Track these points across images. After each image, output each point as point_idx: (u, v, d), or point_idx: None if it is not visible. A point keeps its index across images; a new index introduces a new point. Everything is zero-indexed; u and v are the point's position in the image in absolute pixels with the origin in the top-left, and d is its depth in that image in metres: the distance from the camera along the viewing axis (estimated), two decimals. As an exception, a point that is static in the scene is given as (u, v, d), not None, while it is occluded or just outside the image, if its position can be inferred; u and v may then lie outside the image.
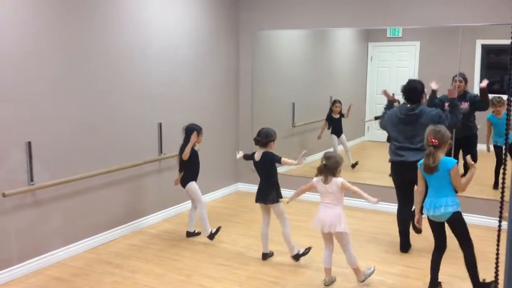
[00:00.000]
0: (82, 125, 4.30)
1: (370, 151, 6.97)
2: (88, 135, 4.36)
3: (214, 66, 5.98)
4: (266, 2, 6.12)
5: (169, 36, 5.20)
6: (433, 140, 3.38)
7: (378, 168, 6.24)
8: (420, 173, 3.57)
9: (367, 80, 6.70)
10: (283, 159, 4.08)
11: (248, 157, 4.30)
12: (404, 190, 4.35)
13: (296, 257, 4.13)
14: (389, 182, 4.58)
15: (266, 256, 4.24)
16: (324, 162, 3.60)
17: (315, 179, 3.72)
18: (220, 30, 6.03)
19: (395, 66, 6.50)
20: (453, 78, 5.25)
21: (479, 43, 5.67)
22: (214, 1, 5.88)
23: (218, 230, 4.70)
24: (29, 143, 3.84)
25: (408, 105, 4.27)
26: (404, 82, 4.38)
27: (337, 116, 6.56)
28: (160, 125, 5.15)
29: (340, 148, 6.57)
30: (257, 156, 4.16)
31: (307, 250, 4.17)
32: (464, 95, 5.22)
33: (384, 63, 6.59)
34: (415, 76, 6.22)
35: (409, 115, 4.22)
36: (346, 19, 5.69)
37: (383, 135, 6.57)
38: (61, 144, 4.12)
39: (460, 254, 3.50)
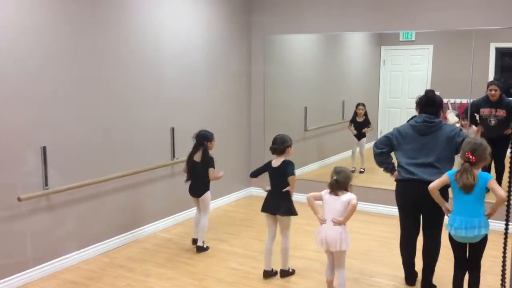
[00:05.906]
0: (96, 130, 4.35)
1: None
2: (102, 140, 4.41)
3: (227, 70, 6.01)
4: (278, 7, 6.13)
5: (182, 41, 5.24)
6: (471, 157, 3.09)
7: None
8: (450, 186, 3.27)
9: (380, 84, 6.68)
10: (290, 177, 3.82)
11: (260, 170, 4.03)
12: (411, 216, 3.71)
13: (284, 273, 3.95)
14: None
15: (267, 274, 3.94)
16: (335, 177, 3.39)
17: (323, 192, 3.51)
18: (233, 34, 6.06)
19: (408, 70, 6.47)
20: (488, 86, 5.10)
21: (493, 46, 5.61)
22: (227, 6, 5.91)
23: (207, 248, 4.57)
24: (44, 147, 3.89)
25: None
26: (419, 90, 4.16)
27: (361, 119, 6.53)
28: (172, 130, 5.19)
29: (357, 151, 6.58)
30: (275, 163, 3.90)
31: (293, 271, 4.02)
32: (499, 102, 5.09)
33: (397, 67, 6.56)
34: (428, 79, 6.20)
35: (428, 123, 3.62)
36: (359, 23, 5.68)
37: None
38: (75, 149, 4.17)
39: (482, 268, 3.39)
